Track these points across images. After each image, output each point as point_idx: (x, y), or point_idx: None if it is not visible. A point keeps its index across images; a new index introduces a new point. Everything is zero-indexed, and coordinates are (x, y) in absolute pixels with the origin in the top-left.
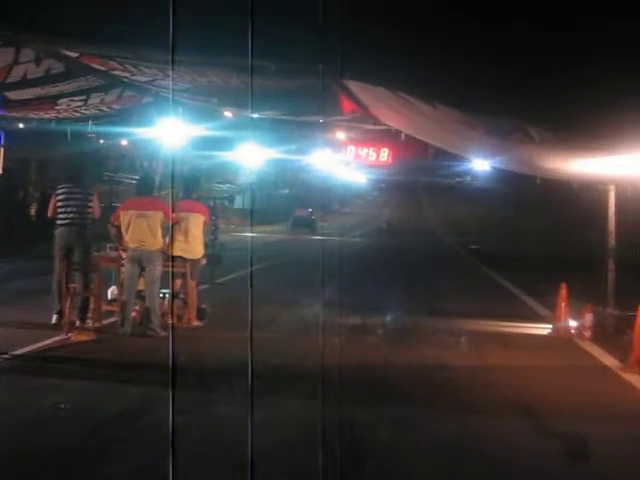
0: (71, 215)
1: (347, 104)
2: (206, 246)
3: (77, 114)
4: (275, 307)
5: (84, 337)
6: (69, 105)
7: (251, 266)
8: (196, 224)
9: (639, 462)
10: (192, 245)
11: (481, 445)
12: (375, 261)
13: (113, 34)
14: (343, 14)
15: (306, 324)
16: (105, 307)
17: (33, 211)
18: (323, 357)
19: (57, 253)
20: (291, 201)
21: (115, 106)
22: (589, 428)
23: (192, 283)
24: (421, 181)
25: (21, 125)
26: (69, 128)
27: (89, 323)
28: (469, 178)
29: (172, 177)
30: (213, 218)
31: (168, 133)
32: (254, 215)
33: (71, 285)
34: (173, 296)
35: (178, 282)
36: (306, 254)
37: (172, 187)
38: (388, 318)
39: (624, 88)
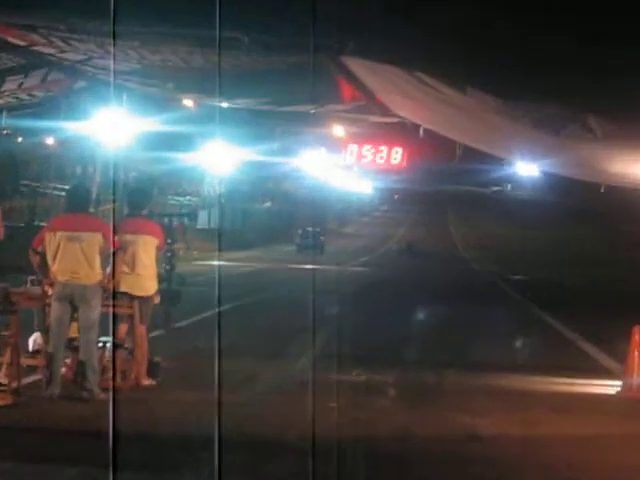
0: None
1: (347, 89)
2: (160, 279)
3: None
4: (252, 360)
5: None
6: None
7: (219, 305)
8: (147, 250)
9: None
10: (142, 278)
11: None
12: (384, 297)
13: None
14: None
15: (293, 382)
16: (25, 361)
17: None
18: (314, 426)
19: None
20: (273, 219)
21: (38, 93)
22: None
23: (142, 328)
24: (447, 191)
25: None
26: None
27: (3, 382)
28: (510, 187)
29: (114, 187)
30: (169, 242)
31: (109, 129)
32: (224, 237)
33: None
34: (116, 346)
35: (123, 327)
36: (293, 289)
37: (114, 201)
38: (402, 373)
39: None
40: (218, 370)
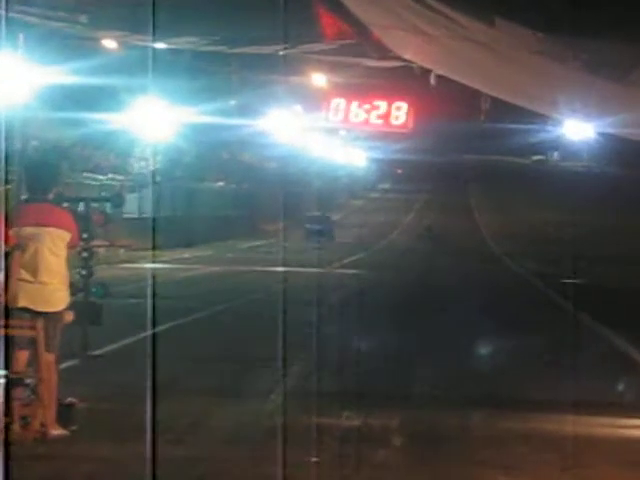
0: None
1: (330, 22)
2: (73, 289)
3: None
4: (198, 399)
5: None
6: None
7: (153, 326)
8: (55, 249)
9: None
10: (47, 288)
11: None
12: (382, 313)
13: None
14: None
15: (254, 429)
16: None
17: None
18: None
19: None
20: (228, 203)
21: None
22: None
23: (49, 357)
24: (469, 162)
25: None
26: None
27: None
28: (557, 155)
29: (5, 161)
30: (85, 237)
31: None
32: (161, 230)
33: None
34: (11, 382)
35: (22, 355)
36: (255, 300)
37: (5, 180)
38: (410, 414)
39: None
40: (151, 413)
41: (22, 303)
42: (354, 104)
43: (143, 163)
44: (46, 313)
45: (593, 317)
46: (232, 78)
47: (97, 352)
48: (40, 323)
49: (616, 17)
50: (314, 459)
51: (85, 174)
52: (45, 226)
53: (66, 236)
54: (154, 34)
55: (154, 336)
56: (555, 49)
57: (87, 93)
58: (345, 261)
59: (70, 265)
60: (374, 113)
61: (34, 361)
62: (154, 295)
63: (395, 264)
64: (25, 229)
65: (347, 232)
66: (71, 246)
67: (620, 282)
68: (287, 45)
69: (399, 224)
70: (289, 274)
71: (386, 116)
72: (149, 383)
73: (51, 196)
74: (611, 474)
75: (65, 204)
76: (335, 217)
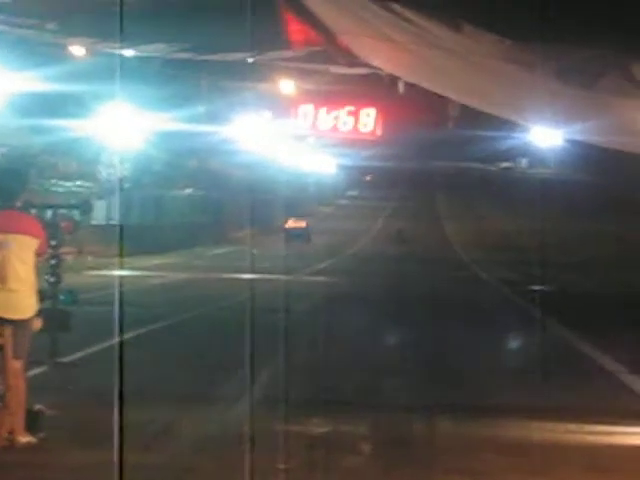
0: None
1: (298, 29)
2: (41, 296)
3: None
4: (167, 406)
5: None
6: None
7: (121, 332)
8: (22, 256)
9: None
10: (15, 295)
11: None
12: (350, 317)
13: None
14: None
15: (222, 436)
16: None
17: None
18: None
19: None
20: (197, 210)
21: None
22: None
23: (16, 365)
24: (437, 169)
25: None
26: None
27: None
28: (525, 162)
29: None
30: (53, 244)
31: None
32: (130, 237)
33: None
34: None
35: None
36: (223, 307)
37: None
38: (380, 421)
39: None
40: (120, 420)
41: None
42: (322, 111)
43: (111, 170)
44: (14, 320)
45: (559, 321)
46: (201, 85)
47: (65, 359)
48: (8, 330)
49: (585, 24)
50: (280, 466)
51: (53, 181)
52: (13, 233)
53: (34, 243)
54: (122, 41)
55: (122, 344)
56: (523, 56)
57: (55, 100)
58: (313, 268)
59: (38, 272)
60: (342, 120)
61: (1, 368)
62: (122, 303)
63: (362, 271)
64: None
65: (315, 239)
66: (39, 253)
67: (586, 288)
68: (255, 52)
69: (367, 231)
70: (257, 281)
71: (354, 123)
72: (116, 390)
73: (19, 203)
74: (572, 477)
75: (33, 211)
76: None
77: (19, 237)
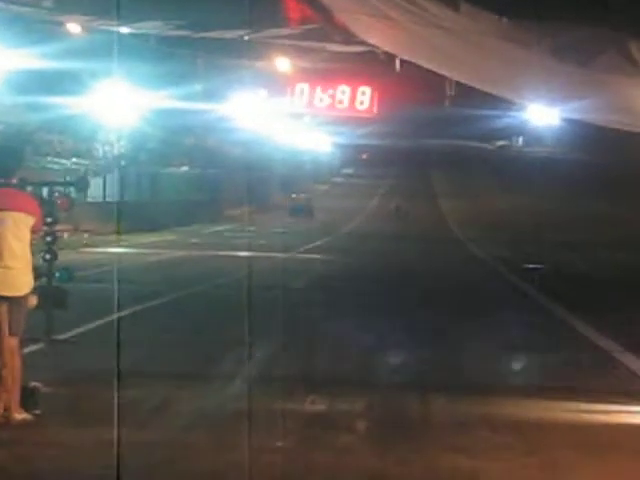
0: None
1: (293, 6)
2: (37, 273)
3: None
4: (164, 383)
5: None
6: None
7: (118, 309)
8: (19, 233)
9: None
10: (12, 272)
11: None
12: (347, 295)
13: None
14: None
15: (220, 413)
16: None
17: None
18: (251, 475)
19: None
20: (193, 188)
21: None
22: None
23: (12, 342)
24: (433, 147)
25: None
26: None
27: None
28: (521, 141)
29: None
30: (49, 221)
31: None
32: (126, 215)
33: None
34: None
35: None
36: (219, 284)
37: None
38: (375, 400)
39: None
40: (117, 398)
41: None
42: (318, 89)
43: (107, 147)
44: (10, 297)
45: (553, 299)
46: (196, 63)
47: (61, 337)
48: (3, 307)
49: (582, 1)
50: (278, 444)
51: (49, 158)
52: (9, 210)
53: (30, 220)
54: (119, 18)
55: (119, 321)
56: (520, 34)
57: (51, 77)
58: (309, 246)
59: (34, 249)
60: (338, 98)
61: None
62: (118, 279)
63: (358, 249)
64: None
65: (312, 217)
66: (35, 230)
67: (579, 266)
68: (252, 30)
69: (363, 209)
70: (253, 259)
71: (351, 101)
72: (116, 365)
73: (14, 180)
74: (567, 458)
75: (29, 188)
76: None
77: (15, 214)
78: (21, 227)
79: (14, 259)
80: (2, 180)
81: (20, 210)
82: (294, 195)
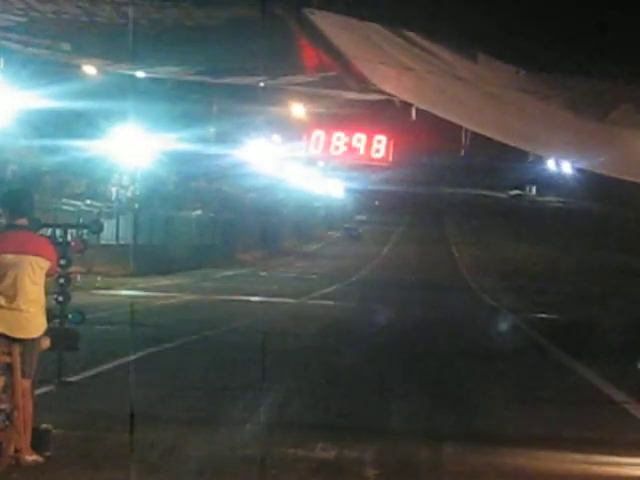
0: None
1: (311, 54)
2: (50, 315)
3: None
4: (175, 427)
5: None
6: None
7: (132, 352)
8: (34, 277)
9: None
10: (25, 315)
11: None
12: (354, 339)
13: None
14: None
15: (233, 459)
16: None
17: None
18: None
19: None
20: (206, 232)
21: None
22: None
23: (25, 384)
24: (447, 195)
25: None
26: None
27: None
28: (535, 190)
29: None
30: (62, 263)
31: None
32: (139, 258)
33: None
34: None
35: None
36: (231, 329)
37: None
38: (385, 448)
39: None
40: (131, 440)
41: None
42: (334, 136)
43: (121, 190)
44: (23, 340)
45: (562, 349)
46: (212, 108)
47: (73, 378)
48: (17, 350)
49: (599, 55)
50: None
51: (63, 200)
52: (26, 254)
53: (45, 264)
54: (134, 62)
55: (132, 364)
56: (537, 86)
57: (67, 118)
58: (320, 292)
59: (46, 290)
60: (354, 145)
61: (9, 387)
62: (133, 321)
63: (369, 297)
64: (5, 256)
65: (322, 263)
66: (50, 274)
67: (590, 317)
68: (267, 77)
69: (376, 256)
70: (264, 304)
71: (366, 149)
72: (129, 408)
73: (28, 222)
74: None
75: (43, 230)
76: (312, 248)
77: (32, 258)
78: (37, 271)
79: (28, 302)
80: (16, 222)
81: (37, 254)
82: (347, 225)
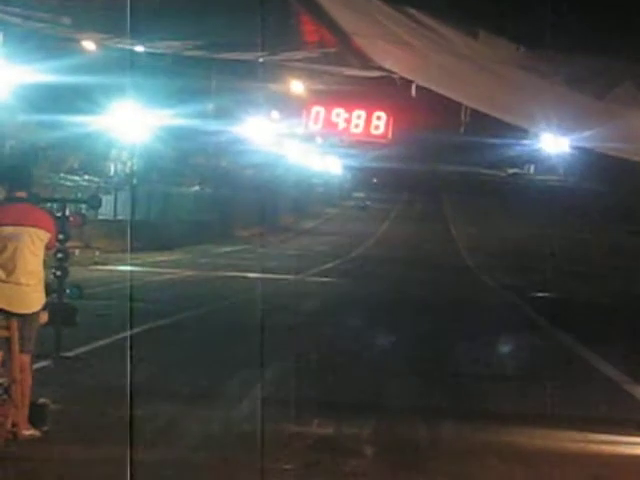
0: None
1: (310, 30)
2: (48, 290)
3: None
4: (172, 402)
5: None
6: None
7: (130, 327)
8: (33, 249)
9: None
10: (24, 289)
11: None
12: (356, 316)
13: None
14: None
15: (231, 435)
16: None
17: None
18: None
19: None
20: (203, 208)
21: None
22: None
23: (23, 358)
24: (446, 173)
25: None
26: None
27: None
28: (533, 169)
29: None
30: (60, 237)
31: None
32: (136, 233)
33: None
34: None
35: None
36: (230, 304)
37: None
38: (383, 425)
39: None
40: (130, 415)
41: None
42: (333, 112)
43: (120, 165)
44: (21, 314)
45: (559, 327)
46: (210, 84)
47: (71, 353)
48: (15, 323)
49: (600, 32)
50: (285, 466)
51: (61, 175)
52: (26, 226)
53: (45, 236)
54: (133, 36)
55: (131, 339)
56: (537, 63)
57: (65, 94)
58: (319, 269)
59: (45, 265)
60: (354, 122)
61: (9, 361)
62: (131, 296)
63: (366, 273)
64: (4, 229)
65: (322, 239)
66: (49, 247)
67: (587, 295)
68: (266, 52)
69: (373, 234)
70: (263, 280)
71: (365, 125)
72: (128, 383)
73: (28, 196)
74: None
75: (42, 204)
76: (310, 225)
77: (32, 230)
78: (37, 243)
79: (27, 275)
80: (15, 195)
81: (37, 226)
82: (356, 195)
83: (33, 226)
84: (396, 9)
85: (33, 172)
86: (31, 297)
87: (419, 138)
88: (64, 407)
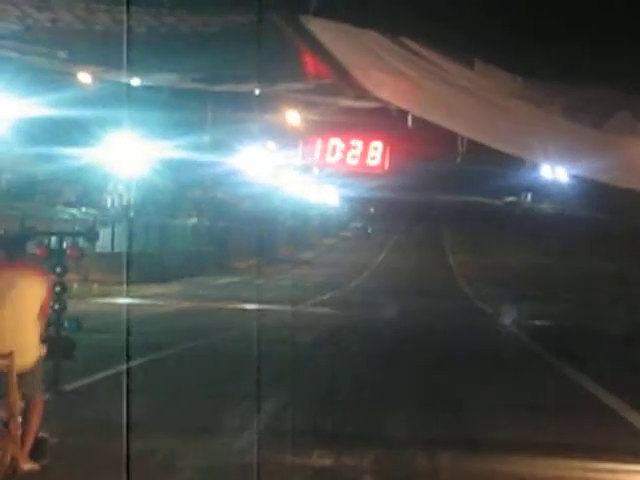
0: None
1: (308, 61)
2: (48, 325)
3: None
4: (171, 436)
5: None
6: None
7: (127, 360)
8: (26, 302)
9: None
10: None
11: None
12: (354, 347)
13: None
14: None
15: (230, 467)
16: None
17: None
18: None
19: None
20: (201, 240)
21: None
22: None
23: (38, 400)
24: (443, 202)
25: None
26: None
27: None
28: (530, 197)
29: None
30: (58, 270)
31: None
32: (134, 265)
33: None
34: None
35: None
36: (229, 337)
37: None
38: (382, 455)
39: None
40: (126, 448)
41: None
42: (330, 143)
43: (116, 198)
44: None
45: (560, 357)
46: (207, 116)
47: (69, 387)
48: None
49: (597, 63)
50: None
51: (58, 207)
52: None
53: (39, 301)
54: (130, 70)
55: (128, 372)
56: (533, 93)
57: (62, 126)
58: (316, 299)
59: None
60: (350, 153)
61: (8, 397)
62: (129, 329)
63: (364, 304)
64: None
65: (320, 270)
66: (42, 313)
67: (585, 322)
68: (264, 84)
69: (370, 264)
70: (261, 311)
71: (362, 156)
72: (124, 416)
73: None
74: None
75: (38, 238)
76: (307, 255)
77: (23, 280)
78: (28, 297)
79: (22, 328)
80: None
81: (30, 290)
82: (357, 225)
83: (27, 292)
84: (391, 39)
85: (30, 206)
86: (29, 356)
87: (416, 168)
88: (63, 441)
